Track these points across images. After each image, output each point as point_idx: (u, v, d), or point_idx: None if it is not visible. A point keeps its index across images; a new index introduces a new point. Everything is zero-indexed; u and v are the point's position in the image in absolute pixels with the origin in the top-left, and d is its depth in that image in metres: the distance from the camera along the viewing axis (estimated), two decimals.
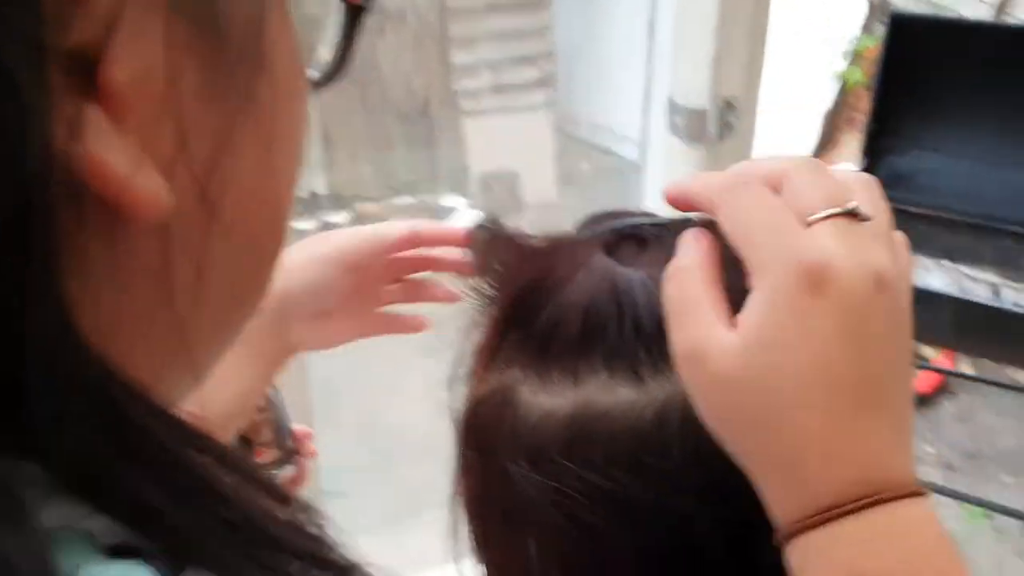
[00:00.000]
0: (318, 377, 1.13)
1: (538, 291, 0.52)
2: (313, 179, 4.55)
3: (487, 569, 0.57)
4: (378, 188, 4.73)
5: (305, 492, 1.18)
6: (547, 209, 4.28)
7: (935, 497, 2.24)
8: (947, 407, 3.09)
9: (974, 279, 2.22)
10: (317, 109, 4.48)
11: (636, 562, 0.51)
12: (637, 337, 0.49)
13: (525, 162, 4.38)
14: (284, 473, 0.84)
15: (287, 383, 1.11)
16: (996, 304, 2.06)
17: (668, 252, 0.51)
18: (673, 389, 0.48)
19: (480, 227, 0.58)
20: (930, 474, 2.79)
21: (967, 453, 2.88)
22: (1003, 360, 2.71)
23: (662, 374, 0.49)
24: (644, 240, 0.54)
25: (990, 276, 2.21)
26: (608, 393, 0.49)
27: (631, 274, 0.51)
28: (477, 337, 0.56)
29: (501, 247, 0.56)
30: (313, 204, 4.57)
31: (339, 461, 2.83)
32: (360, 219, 4.54)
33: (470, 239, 0.58)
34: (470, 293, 0.57)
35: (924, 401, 3.08)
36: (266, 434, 0.83)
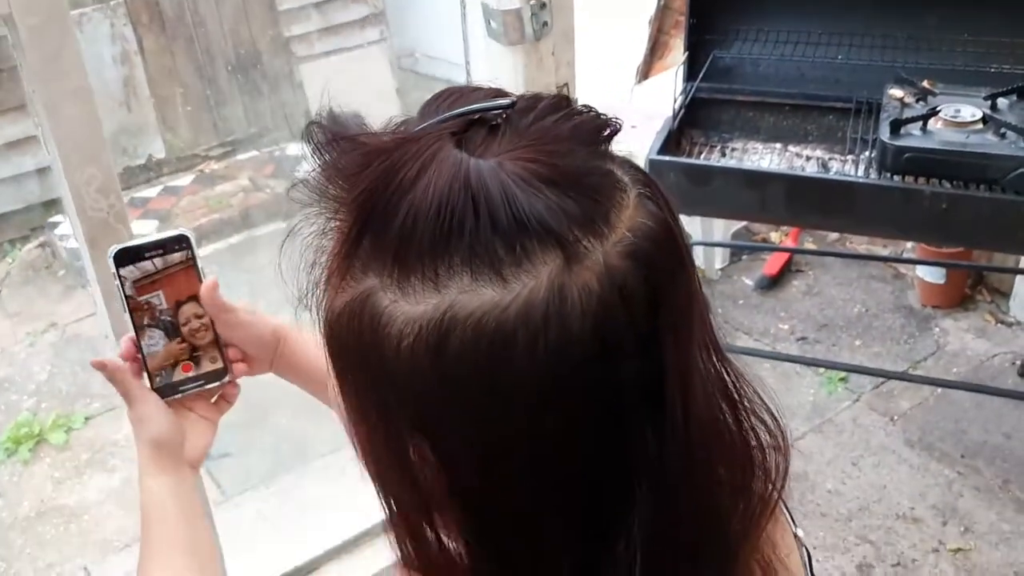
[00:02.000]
0: None
1: (387, 192, 0.49)
2: (150, 143, 4.39)
3: (378, 486, 0.56)
4: (220, 145, 4.59)
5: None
6: None
7: (795, 367, 2.38)
8: (796, 285, 3.26)
9: (803, 156, 2.34)
10: (144, 69, 4.29)
11: (507, 458, 0.50)
12: (494, 232, 0.47)
13: (367, 100, 4.31)
14: (221, 383, 0.88)
15: None
16: (825, 176, 2.18)
17: (517, 134, 0.50)
18: (534, 283, 0.47)
19: (317, 125, 0.53)
20: (788, 348, 2.96)
21: (818, 324, 3.06)
22: (837, 228, 2.87)
23: (522, 269, 0.47)
24: (493, 125, 0.51)
25: (817, 152, 2.33)
26: (471, 295, 0.47)
27: (482, 166, 0.48)
28: (328, 244, 0.53)
29: (342, 147, 0.52)
30: (153, 169, 4.41)
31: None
32: (204, 179, 4.40)
33: (308, 137, 0.53)
34: (316, 199, 0.53)
35: (774, 282, 3.24)
36: (205, 339, 0.86)
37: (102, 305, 1.16)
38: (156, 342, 0.85)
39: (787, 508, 0.75)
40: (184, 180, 4.41)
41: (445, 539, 0.55)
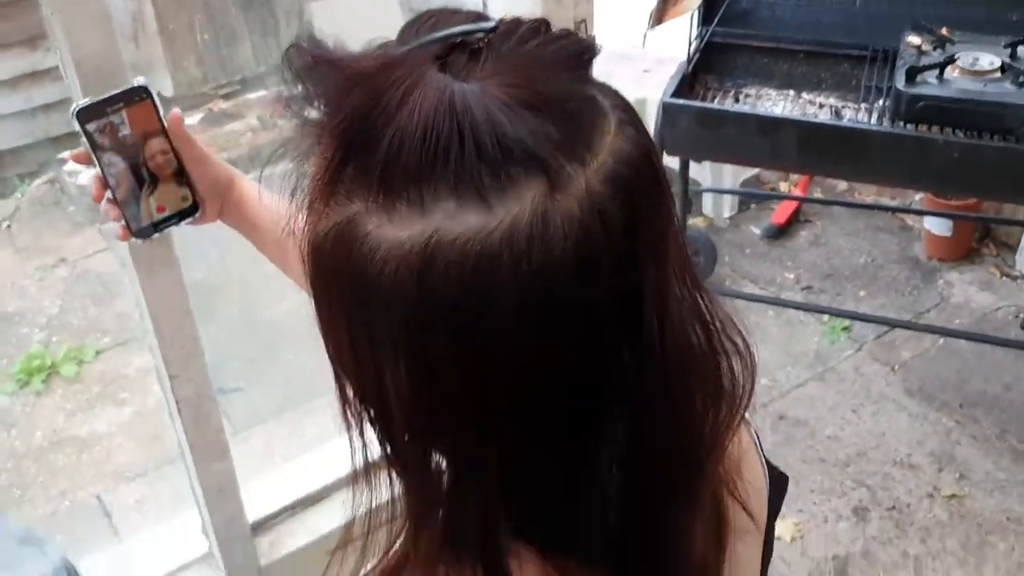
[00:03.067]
0: (194, 279, 1.15)
1: (371, 118, 0.49)
2: (158, 80, 4.36)
3: (358, 407, 0.56)
4: (228, 84, 4.57)
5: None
6: None
7: (799, 316, 2.40)
8: (804, 235, 3.28)
9: (816, 104, 2.34)
10: (152, 2, 4.25)
11: (488, 379, 0.51)
12: (479, 159, 0.48)
13: (375, 39, 4.28)
14: (194, 218, 0.97)
15: (160, 291, 1.12)
16: (838, 124, 2.18)
17: (499, 59, 0.50)
18: (518, 209, 0.48)
19: (297, 48, 0.52)
20: (793, 297, 2.98)
21: (824, 274, 3.08)
22: (847, 176, 2.88)
23: (506, 195, 0.48)
24: (475, 49, 0.51)
25: (831, 100, 2.33)
26: (456, 220, 0.48)
27: (467, 89, 0.48)
28: (313, 170, 0.53)
29: (324, 71, 0.52)
30: (162, 106, 4.39)
31: (226, 356, 2.83)
32: (212, 118, 4.39)
33: (288, 61, 0.52)
34: (299, 123, 0.53)
35: (782, 231, 3.25)
36: (172, 173, 0.95)
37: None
38: (128, 186, 0.93)
39: (757, 438, 0.78)
40: (193, 119, 4.39)
41: (425, 459, 0.56)
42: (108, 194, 0.93)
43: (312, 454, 1.74)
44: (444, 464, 0.56)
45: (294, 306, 2.60)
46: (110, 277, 3.35)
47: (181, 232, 1.10)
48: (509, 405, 0.52)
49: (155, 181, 0.94)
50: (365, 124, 0.49)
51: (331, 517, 1.62)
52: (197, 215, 0.99)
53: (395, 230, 0.49)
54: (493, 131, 0.48)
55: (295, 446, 2.49)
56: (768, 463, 0.79)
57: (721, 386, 0.61)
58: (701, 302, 0.59)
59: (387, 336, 0.51)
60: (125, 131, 0.92)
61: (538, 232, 0.48)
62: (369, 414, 0.56)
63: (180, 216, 0.98)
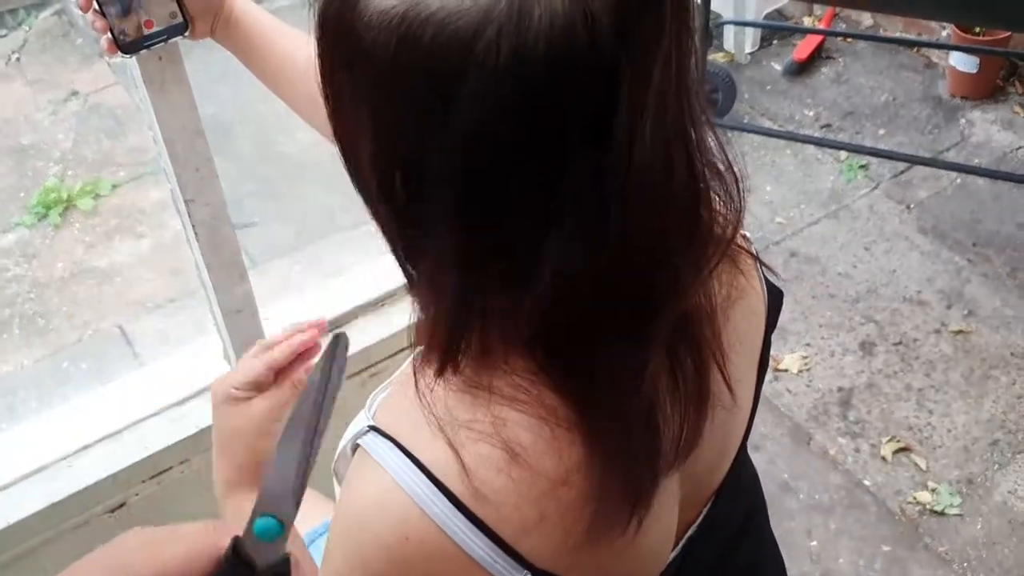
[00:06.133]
0: (204, 115, 1.14)
1: None
2: None
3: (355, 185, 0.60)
4: None
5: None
6: None
7: (816, 154, 2.36)
8: (825, 72, 3.20)
9: None
10: None
11: (443, 166, 0.52)
12: None
13: None
14: (183, 37, 0.97)
15: (172, 110, 1.11)
16: None
17: None
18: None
19: None
20: (811, 135, 2.93)
21: (843, 112, 3.02)
22: (874, 5, 2.78)
23: None
24: None
25: None
26: None
27: None
28: None
29: None
30: None
31: (242, 191, 2.85)
32: None
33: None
34: None
35: (803, 68, 3.18)
36: None
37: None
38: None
39: (761, 264, 0.78)
40: None
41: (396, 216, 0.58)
42: (95, 5, 0.92)
43: (329, 282, 1.78)
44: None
45: (309, 141, 2.60)
46: (122, 111, 3.33)
47: (189, 68, 1.09)
48: (460, 183, 0.53)
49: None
50: None
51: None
52: (187, 34, 0.97)
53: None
54: None
55: (312, 278, 2.53)
56: (767, 280, 0.79)
57: (698, 225, 0.60)
58: (692, 135, 0.57)
59: (365, 101, 0.54)
60: None
61: (512, 20, 0.48)
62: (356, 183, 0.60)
63: (169, 33, 0.96)
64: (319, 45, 0.56)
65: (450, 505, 0.59)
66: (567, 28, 0.48)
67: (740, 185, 0.62)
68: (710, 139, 0.59)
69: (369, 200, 0.59)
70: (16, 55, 3.73)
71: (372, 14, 0.51)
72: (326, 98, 0.58)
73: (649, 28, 0.52)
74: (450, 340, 0.59)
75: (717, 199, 0.61)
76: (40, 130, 3.32)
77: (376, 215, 0.59)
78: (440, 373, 0.61)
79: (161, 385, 1.52)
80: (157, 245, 2.85)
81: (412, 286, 0.62)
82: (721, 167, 0.60)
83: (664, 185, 0.56)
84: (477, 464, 0.59)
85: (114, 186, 3.05)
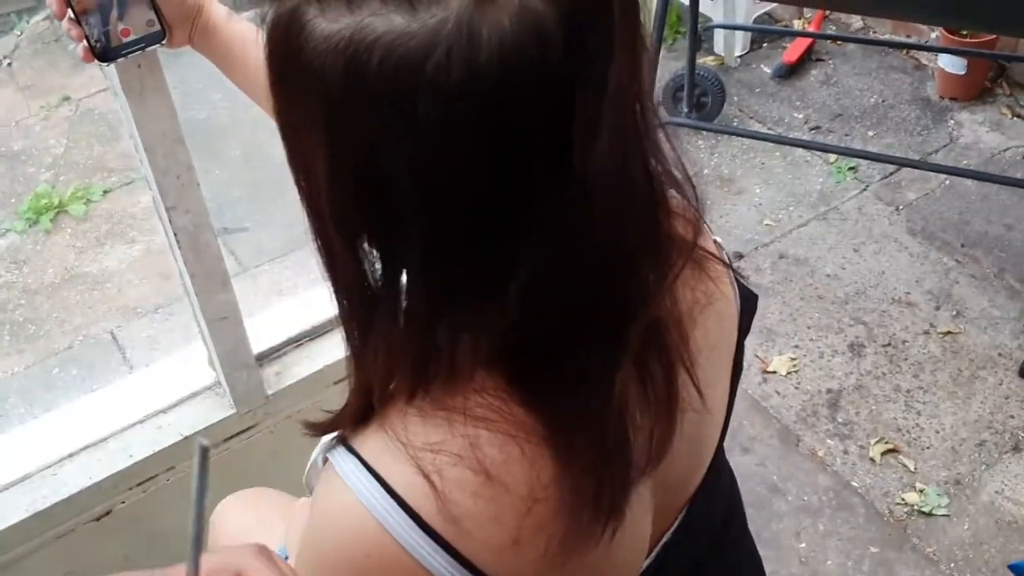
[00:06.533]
0: (196, 119, 1.15)
1: None
2: None
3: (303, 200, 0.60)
4: None
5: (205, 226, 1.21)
6: None
7: (805, 156, 2.36)
8: (814, 74, 3.21)
9: None
10: None
11: (396, 186, 0.53)
12: None
13: None
14: (160, 44, 0.97)
15: (151, 118, 1.12)
16: None
17: None
18: (443, 15, 0.48)
19: None
20: (800, 138, 2.94)
21: (833, 114, 3.03)
22: (864, 8, 2.79)
23: (435, 3, 0.49)
24: None
25: None
26: (381, 19, 0.49)
27: None
28: None
29: None
30: None
31: (231, 197, 2.85)
32: None
33: None
34: None
35: (792, 70, 3.19)
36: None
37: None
38: (92, 5, 0.93)
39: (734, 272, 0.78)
40: None
41: (353, 251, 0.58)
42: (70, 13, 0.92)
43: (318, 289, 1.78)
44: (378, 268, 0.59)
45: None
46: (114, 116, 3.32)
47: (181, 73, 1.09)
48: (421, 205, 0.53)
49: (123, 2, 0.92)
50: None
51: (336, 349, 1.67)
52: (164, 41, 0.98)
53: (327, 23, 0.51)
54: None
55: (301, 283, 2.54)
56: (740, 285, 0.80)
57: (659, 231, 0.60)
58: (647, 140, 0.57)
59: (316, 125, 0.54)
60: None
61: (462, 42, 0.48)
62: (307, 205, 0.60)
63: (146, 41, 0.97)
64: (268, 69, 0.56)
65: (413, 524, 0.59)
66: (517, 44, 0.48)
67: (697, 191, 0.62)
68: (666, 146, 0.59)
69: (322, 226, 0.59)
70: (7, 60, 3.73)
71: (317, 39, 0.51)
72: (280, 127, 0.58)
73: (600, 39, 0.52)
74: (419, 363, 0.59)
75: (676, 205, 0.62)
76: (31, 135, 3.32)
77: (327, 243, 0.59)
78: (411, 399, 0.61)
79: (147, 392, 1.52)
80: (149, 250, 2.85)
81: (374, 311, 0.60)
82: (678, 174, 0.61)
83: (625, 193, 0.56)
84: (449, 487, 0.59)
85: (105, 191, 3.05)
